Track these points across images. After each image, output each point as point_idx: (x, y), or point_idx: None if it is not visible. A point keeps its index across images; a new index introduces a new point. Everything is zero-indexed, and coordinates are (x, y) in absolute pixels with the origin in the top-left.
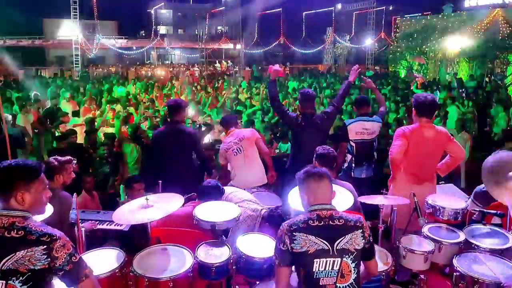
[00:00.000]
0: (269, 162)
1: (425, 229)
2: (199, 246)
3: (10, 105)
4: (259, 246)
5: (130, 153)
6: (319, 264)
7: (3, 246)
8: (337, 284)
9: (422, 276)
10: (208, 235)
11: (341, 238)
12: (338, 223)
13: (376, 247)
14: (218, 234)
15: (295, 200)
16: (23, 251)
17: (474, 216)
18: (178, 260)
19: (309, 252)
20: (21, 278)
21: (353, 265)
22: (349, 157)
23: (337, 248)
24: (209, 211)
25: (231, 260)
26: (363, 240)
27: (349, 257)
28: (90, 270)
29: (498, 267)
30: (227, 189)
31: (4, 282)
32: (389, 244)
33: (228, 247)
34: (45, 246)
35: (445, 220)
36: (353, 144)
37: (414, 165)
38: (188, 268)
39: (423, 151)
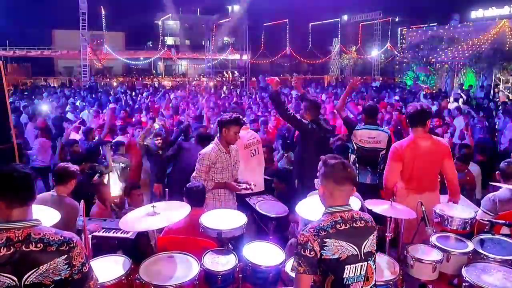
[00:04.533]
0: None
1: (433, 239)
2: (205, 254)
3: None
4: (265, 254)
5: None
6: (350, 270)
7: (23, 261)
8: None
9: (430, 286)
10: (214, 243)
11: (366, 241)
12: (361, 225)
13: (384, 256)
14: (224, 242)
15: (304, 210)
16: (46, 264)
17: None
18: (184, 268)
19: (341, 258)
20: None
21: (374, 266)
22: (352, 157)
23: (364, 252)
24: (216, 219)
25: (238, 268)
26: (376, 241)
27: (371, 259)
28: (94, 282)
29: (508, 278)
30: None
31: None
32: (397, 254)
33: (235, 255)
34: (65, 256)
35: (453, 229)
36: (355, 147)
37: (412, 177)
38: (194, 276)
39: (421, 163)
